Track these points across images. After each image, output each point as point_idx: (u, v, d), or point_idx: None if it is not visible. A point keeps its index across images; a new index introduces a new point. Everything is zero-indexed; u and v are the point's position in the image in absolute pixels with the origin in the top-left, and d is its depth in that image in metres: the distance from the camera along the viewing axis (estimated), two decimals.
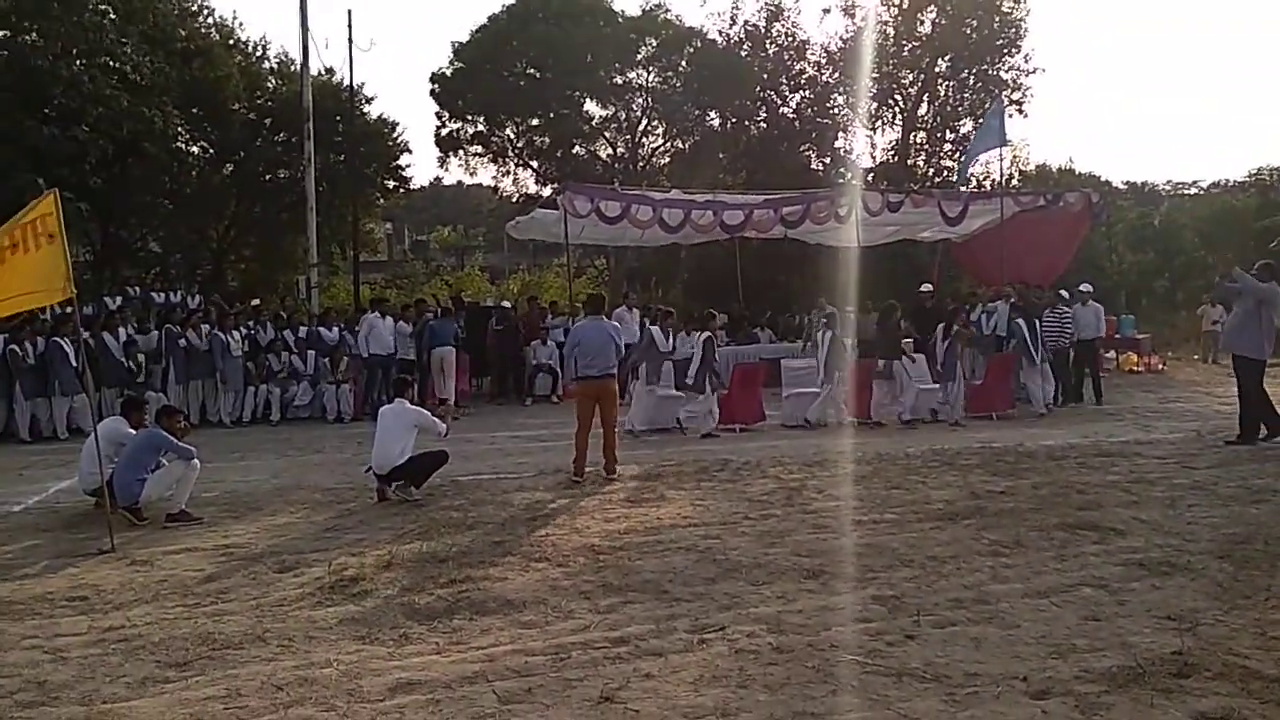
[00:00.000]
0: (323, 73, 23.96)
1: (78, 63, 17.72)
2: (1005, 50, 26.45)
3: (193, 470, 7.73)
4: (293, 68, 23.27)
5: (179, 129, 21.09)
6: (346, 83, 23.54)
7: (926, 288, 17.09)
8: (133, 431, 8.01)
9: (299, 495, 8.53)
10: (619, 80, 28.33)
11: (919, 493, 7.85)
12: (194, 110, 21.63)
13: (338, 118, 23.59)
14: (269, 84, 24.31)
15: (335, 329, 15.31)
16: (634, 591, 5.35)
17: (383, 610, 5.13)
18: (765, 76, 27.04)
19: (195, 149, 23.70)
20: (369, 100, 25.25)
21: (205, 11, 22.71)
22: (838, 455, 9.83)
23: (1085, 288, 15.35)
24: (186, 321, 14.27)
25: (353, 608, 5.20)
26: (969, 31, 25.96)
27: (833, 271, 17.89)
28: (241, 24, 24.40)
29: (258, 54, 24.48)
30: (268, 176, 24.34)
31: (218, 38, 22.89)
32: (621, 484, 8.65)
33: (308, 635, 4.81)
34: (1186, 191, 56.29)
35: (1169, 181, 59.46)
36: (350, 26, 23.59)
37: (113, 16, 18.84)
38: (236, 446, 11.72)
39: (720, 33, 27.60)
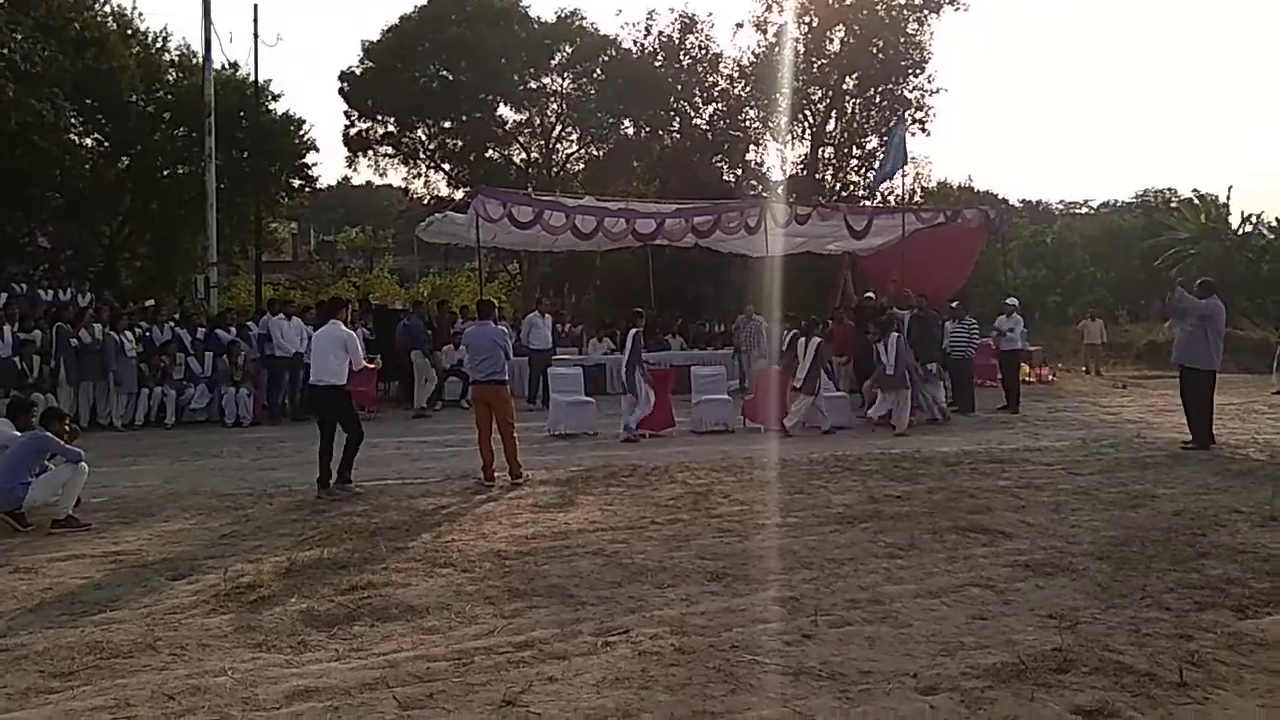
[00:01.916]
0: (226, 67, 23.31)
1: None
2: (910, 70, 27.35)
3: (80, 474, 7.43)
4: (194, 60, 22.58)
5: (71, 120, 20.24)
6: (251, 78, 22.93)
7: (870, 296, 17.32)
8: (18, 434, 7.66)
9: (194, 501, 8.27)
10: (533, 85, 28.33)
11: (820, 497, 8.04)
12: (88, 101, 20.81)
13: (241, 113, 22.95)
14: (169, 76, 23.55)
15: (232, 329, 14.87)
16: (539, 596, 5.35)
17: (280, 617, 5.02)
18: (679, 88, 27.40)
19: (89, 141, 22.79)
20: (275, 97, 24.68)
21: (102, 0, 21.86)
22: (744, 461, 10.00)
23: (1012, 300, 15.90)
24: (78, 320, 13.67)
25: (249, 615, 5.07)
26: (875, 51, 26.77)
27: (743, 281, 18.22)
28: (141, 14, 23.75)
29: (157, 45, 23.70)
30: (166, 172, 23.51)
31: (115, 27, 22.08)
32: (530, 489, 8.64)
33: (201, 643, 4.68)
34: (1078, 210, 58.97)
35: (1061, 201, 62.23)
36: (256, 20, 22.85)
37: (3, 3, 17.99)
38: (129, 450, 11.29)
39: (635, 42, 27.91)
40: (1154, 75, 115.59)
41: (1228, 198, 34.76)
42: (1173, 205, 38.96)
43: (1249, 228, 33.20)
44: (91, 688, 4.15)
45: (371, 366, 9.19)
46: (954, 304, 15.31)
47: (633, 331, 12.05)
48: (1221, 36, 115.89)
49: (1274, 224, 34.09)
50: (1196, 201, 35.43)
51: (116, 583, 5.78)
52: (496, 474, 8.97)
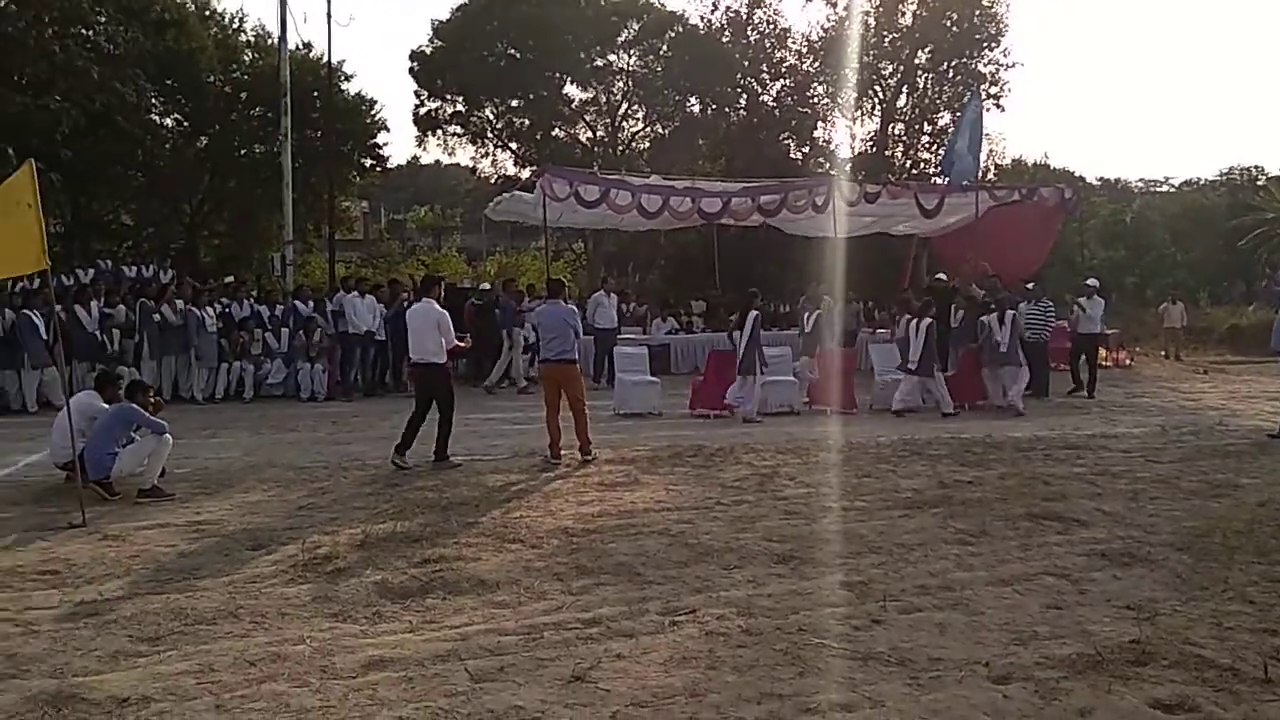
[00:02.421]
0: (300, 47, 23.66)
1: (49, 31, 17.43)
2: (984, 44, 26.64)
3: (165, 445, 7.70)
4: (270, 41, 23.02)
5: (152, 101, 20.83)
6: (325, 58, 23.29)
7: (941, 277, 16.96)
8: (105, 406, 7.96)
9: (272, 473, 8.51)
10: (599, 63, 28.27)
11: (889, 481, 7.95)
12: (168, 82, 21.38)
13: (315, 94, 23.35)
14: (245, 57, 24.04)
15: (309, 304, 15.21)
16: (606, 574, 5.40)
17: (356, 589, 5.16)
18: (746, 64, 27.08)
19: (169, 121, 23.44)
20: (347, 77, 25.05)
21: None
22: (810, 443, 9.93)
23: (1092, 282, 15.47)
24: (160, 296, 14.13)
25: (326, 586, 5.22)
26: (949, 24, 26.12)
27: (809, 261, 18.00)
28: None
29: (234, 26, 24.22)
30: (243, 151, 24.09)
31: (193, 9, 22.59)
32: (596, 468, 8.70)
33: (280, 612, 4.83)
34: (1158, 189, 56.95)
35: (1142, 179, 60.12)
36: (329, 1, 23.17)
37: None
38: (209, 423, 11.66)
39: (702, 18, 27.63)
40: (1240, 48, 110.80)
41: None
42: (1260, 183, 37.40)
43: None
44: (177, 652, 4.31)
45: (463, 345, 9.40)
46: (1030, 285, 14.93)
47: (752, 314, 12.02)
48: None
49: None
50: None
51: (199, 551, 5.99)
52: (563, 452, 9.05)
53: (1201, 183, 54.39)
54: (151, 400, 8.15)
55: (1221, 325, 26.07)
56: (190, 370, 14.01)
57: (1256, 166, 44.20)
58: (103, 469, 7.50)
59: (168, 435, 7.74)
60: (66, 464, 7.55)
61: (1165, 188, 57.30)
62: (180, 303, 13.99)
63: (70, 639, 4.48)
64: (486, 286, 18.28)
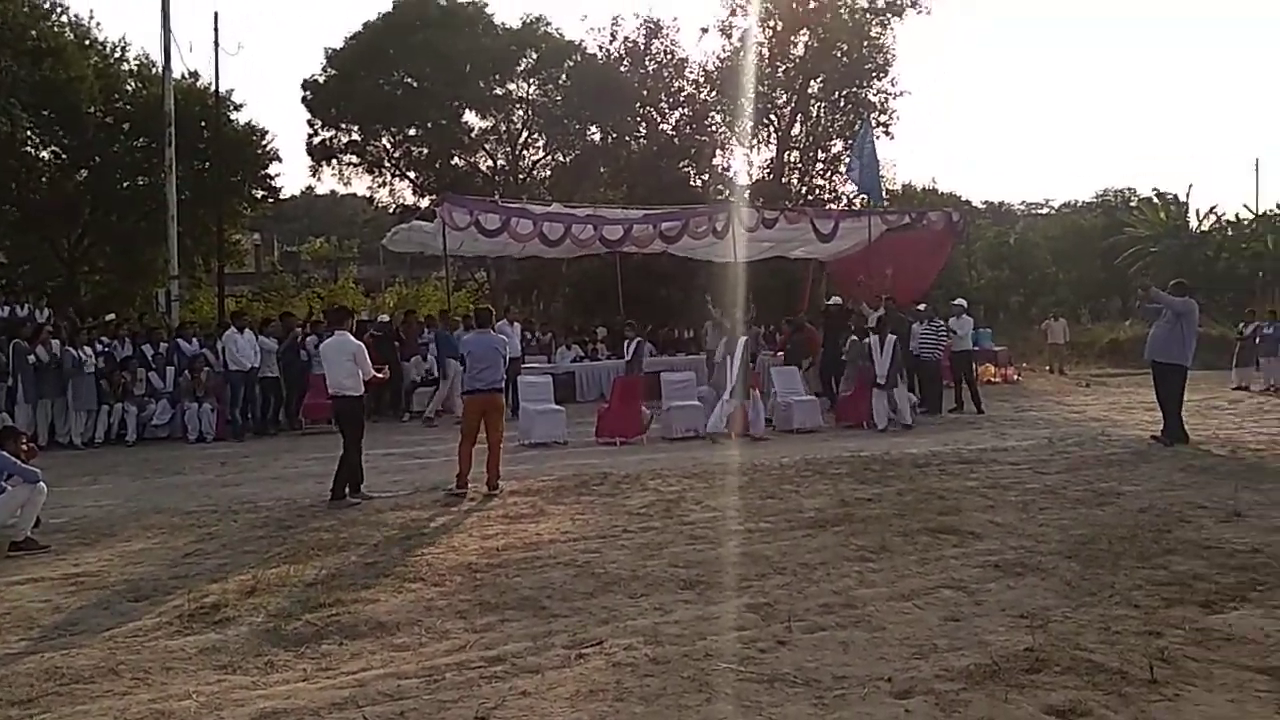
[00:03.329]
0: (186, 76, 22.98)
1: None
2: (873, 74, 27.55)
3: (39, 494, 7.27)
4: (154, 70, 22.22)
5: (28, 132, 19.86)
6: (212, 87, 22.64)
7: (835, 300, 17.32)
8: None
9: (156, 520, 8.11)
10: (499, 92, 28.24)
11: (792, 501, 8.04)
12: (45, 113, 20.42)
13: (203, 123, 22.65)
14: (128, 86, 23.17)
15: (194, 341, 14.63)
16: (511, 609, 5.30)
17: (246, 638, 4.93)
18: (645, 93, 27.42)
19: (46, 154, 22.38)
20: (237, 106, 24.38)
21: (59, 9, 21.48)
22: (715, 467, 9.99)
23: (959, 302, 16.03)
24: (35, 336, 13.39)
25: (214, 636, 4.97)
26: (839, 55, 26.95)
27: (711, 286, 18.20)
28: (99, 24, 23.30)
29: (116, 55, 23.30)
30: (126, 184, 23.18)
31: (72, 37, 21.69)
32: (500, 500, 8.57)
33: (165, 666, 4.57)
34: (1039, 211, 59.77)
35: (1024, 202, 63.09)
36: (216, 29, 22.50)
37: None
38: (89, 469, 11.08)
39: (600, 48, 27.88)
40: (1112, 73, 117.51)
41: (1187, 196, 35.43)
42: (1132, 205, 39.60)
43: (1209, 224, 33.79)
44: (51, 715, 4.04)
45: (380, 377, 9.20)
46: (921, 306, 15.42)
47: (742, 339, 12.63)
48: (1181, 37, 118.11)
49: (1233, 220, 34.78)
50: (1156, 200, 36.02)
51: (77, 606, 5.65)
52: (470, 484, 8.89)
53: (1079, 204, 57.37)
54: (24, 446, 7.69)
55: (1101, 340, 27.39)
56: (68, 413, 13.30)
57: (1129, 188, 46.86)
58: None
59: (42, 484, 7.30)
60: None
61: (1046, 210, 60.21)
62: (56, 343, 13.29)
63: None
64: (385, 318, 17.91)
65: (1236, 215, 35.08)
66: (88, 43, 22.43)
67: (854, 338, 13.71)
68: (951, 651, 4.45)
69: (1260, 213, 34.26)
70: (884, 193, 19.56)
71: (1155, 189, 36.78)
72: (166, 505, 8.75)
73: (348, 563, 6.38)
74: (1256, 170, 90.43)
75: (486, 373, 9.06)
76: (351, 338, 8.98)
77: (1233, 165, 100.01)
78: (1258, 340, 17.97)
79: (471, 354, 9.23)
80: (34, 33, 19.88)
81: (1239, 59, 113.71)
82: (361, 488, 8.77)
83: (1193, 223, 34.89)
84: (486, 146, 29.53)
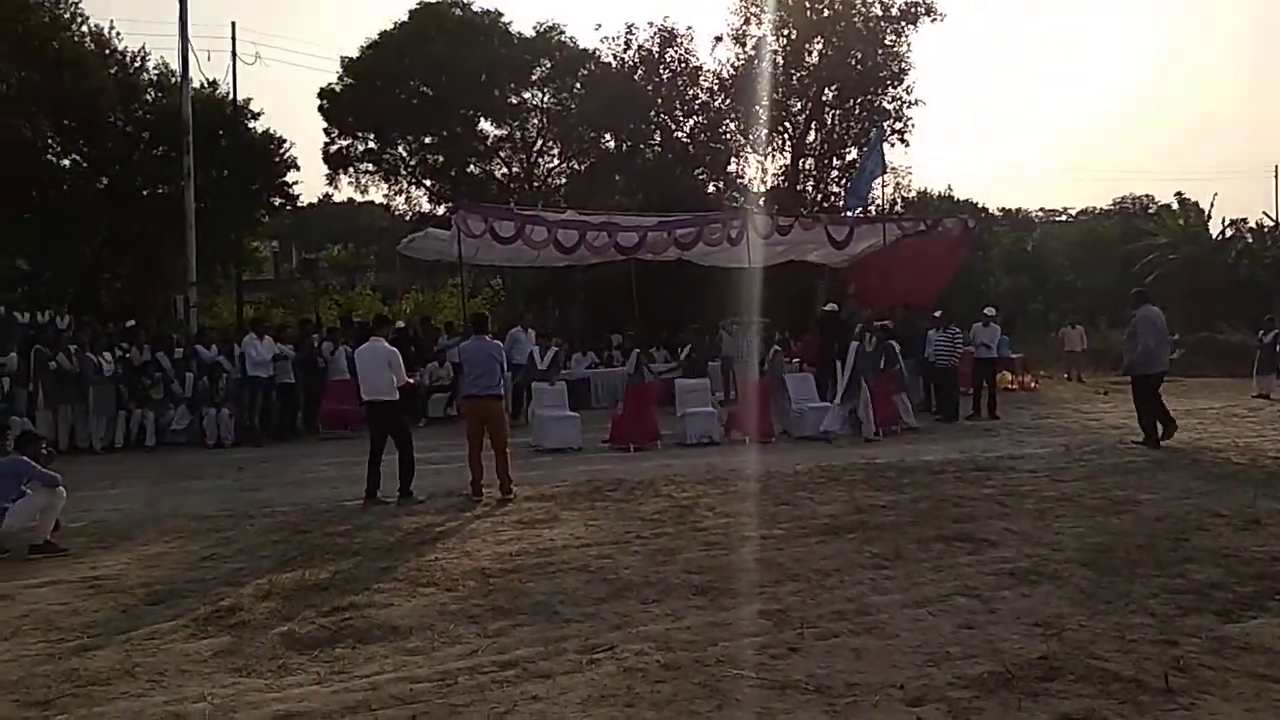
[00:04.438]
0: (205, 85, 23.18)
1: None
2: (888, 82, 27.46)
3: (58, 498, 7.34)
4: (173, 79, 22.41)
5: (49, 141, 20.09)
6: (230, 96, 22.83)
7: (832, 307, 17.28)
8: None
9: (174, 524, 8.17)
10: (514, 100, 28.29)
11: (806, 508, 8.03)
12: (66, 122, 20.64)
13: (220, 132, 22.84)
14: (148, 96, 23.36)
15: (213, 347, 14.74)
16: (523, 614, 5.31)
17: (261, 641, 4.96)
18: (659, 101, 27.42)
19: (67, 162, 22.61)
20: (255, 115, 24.53)
21: (79, 20, 21.69)
22: (729, 473, 9.98)
23: (989, 311, 15.98)
24: (55, 343, 13.52)
25: (229, 639, 5.01)
26: (854, 63, 26.87)
27: (726, 292, 18.23)
28: (119, 34, 23.30)
29: (135, 65, 23.50)
30: (145, 192, 23.35)
31: (93, 48, 21.90)
32: (515, 505, 8.59)
33: (180, 669, 4.61)
34: (1057, 218, 59.46)
35: (1041, 208, 62.71)
36: (234, 38, 22.73)
37: None
38: (108, 473, 11.17)
39: (615, 56, 27.87)
40: (1129, 81, 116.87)
41: (1212, 203, 35.16)
42: (1150, 211, 39.37)
43: (1230, 231, 33.56)
44: (67, 716, 4.09)
45: (413, 382, 9.35)
46: (938, 313, 15.36)
47: (854, 345, 12.88)
48: (1201, 44, 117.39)
49: (1254, 228, 34.53)
50: (1175, 207, 35.79)
51: (94, 609, 5.70)
52: (485, 489, 8.93)
53: (1097, 211, 57.03)
54: (43, 451, 7.77)
55: (1119, 347, 27.06)
56: (88, 418, 13.42)
57: (1147, 195, 46.61)
58: None
59: (61, 488, 7.38)
60: None
61: (1064, 217, 59.87)
62: (75, 349, 13.42)
63: None
64: (401, 325, 18.00)
65: (1258, 222, 34.85)
66: (108, 53, 22.63)
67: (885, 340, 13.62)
68: (965, 659, 4.43)
69: None
70: (864, 204, 19.52)
71: (1177, 193, 36.51)
72: (184, 510, 8.81)
73: (362, 567, 6.42)
74: (1277, 178, 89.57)
75: (483, 379, 9.12)
76: (386, 344, 9.10)
77: (1254, 173, 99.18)
78: (1278, 348, 17.81)
79: (468, 361, 9.35)
80: (55, 43, 20.07)
81: (1262, 66, 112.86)
82: (378, 493, 8.83)
83: (1214, 230, 34.67)
84: (502, 154, 29.61)
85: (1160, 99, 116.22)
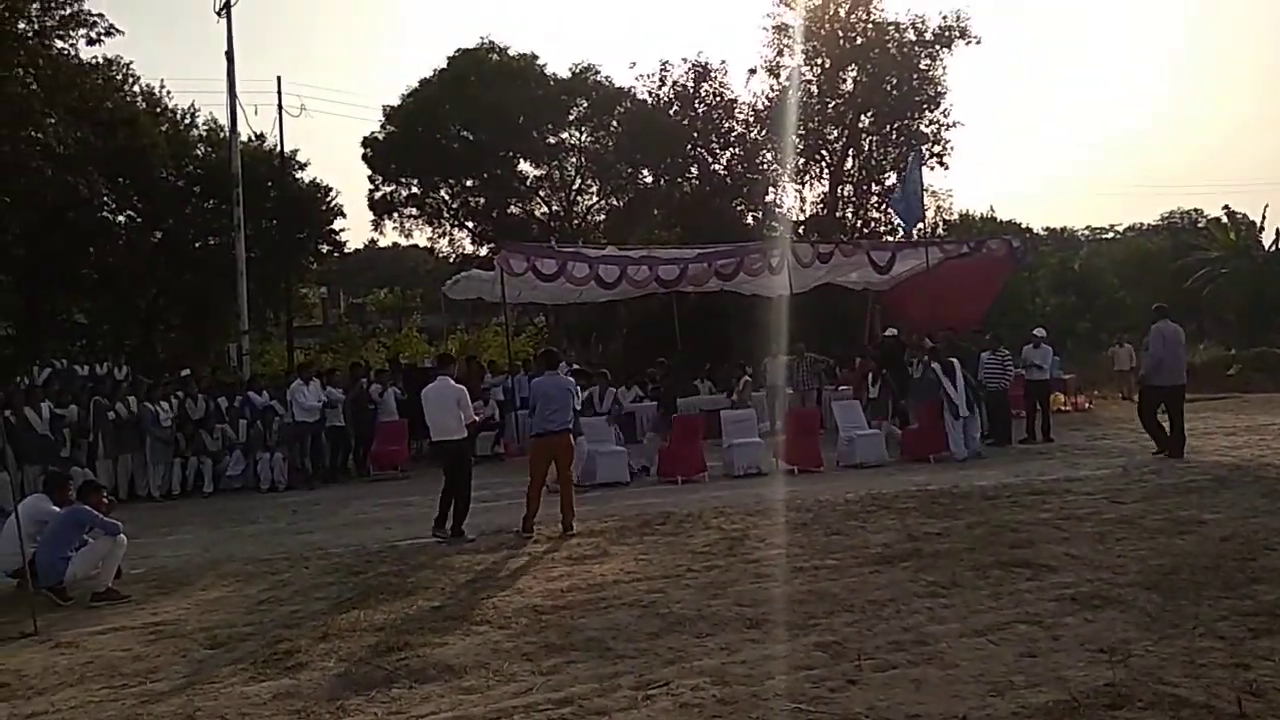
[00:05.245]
0: (253, 139, 23.86)
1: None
2: (925, 106, 27.41)
3: (119, 546, 7.50)
4: (221, 134, 23.12)
5: (105, 198, 20.77)
6: (277, 148, 23.45)
7: (891, 332, 17.16)
8: (56, 509, 7.74)
9: (231, 568, 8.30)
10: (552, 140, 28.72)
11: (858, 537, 7.93)
12: (120, 179, 21.34)
13: (269, 183, 23.45)
14: (198, 151, 24.11)
15: (264, 393, 15.01)
16: (576, 650, 5.30)
17: (319, 683, 5.01)
18: (695, 135, 27.62)
19: (122, 218, 23.34)
20: (301, 166, 25.21)
21: (131, 80, 22.49)
22: (778, 504, 9.89)
23: (1039, 332, 15.77)
24: (114, 394, 13.88)
25: (287, 681, 5.06)
26: (889, 88, 26.88)
27: (768, 321, 18.19)
28: (169, 92, 24.15)
29: (185, 121, 24.31)
30: (198, 244, 24.01)
31: (144, 106, 22.68)
32: (563, 541, 8.59)
33: (240, 712, 4.66)
34: (1104, 236, 58.53)
35: (1087, 227, 61.77)
36: (279, 92, 23.42)
37: (36, 89, 18.60)
38: (166, 520, 11.38)
39: (650, 93, 28.18)
40: (1173, 96, 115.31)
41: (1264, 215, 34.39)
42: (1200, 226, 38.63)
43: None
44: None
45: (479, 419, 9.62)
46: (989, 335, 15.19)
47: (934, 364, 13.26)
48: (1243, 53, 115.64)
49: None
50: (1225, 220, 35.10)
51: (156, 654, 5.80)
52: (537, 525, 8.97)
53: (1145, 228, 56.06)
54: (104, 501, 7.95)
55: None
56: (146, 467, 13.71)
57: (1196, 210, 45.73)
58: (55, 574, 7.27)
59: (122, 536, 7.54)
60: (17, 571, 7.30)
61: (1110, 235, 58.94)
62: (133, 399, 13.76)
63: None
64: (429, 364, 18.23)
65: None
66: (159, 110, 23.42)
67: (933, 364, 13.47)
68: (1029, 688, 4.33)
69: None
70: (922, 224, 19.41)
71: (1226, 207, 35.78)
72: (241, 554, 8.94)
73: (415, 607, 6.45)
74: None
75: (558, 414, 9.17)
76: (454, 382, 9.23)
77: None
78: None
79: (542, 396, 9.28)
80: (109, 104, 20.82)
81: None
82: (445, 527, 8.96)
83: (1265, 241, 33.91)
84: (541, 194, 30.00)
85: (1199, 111, 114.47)
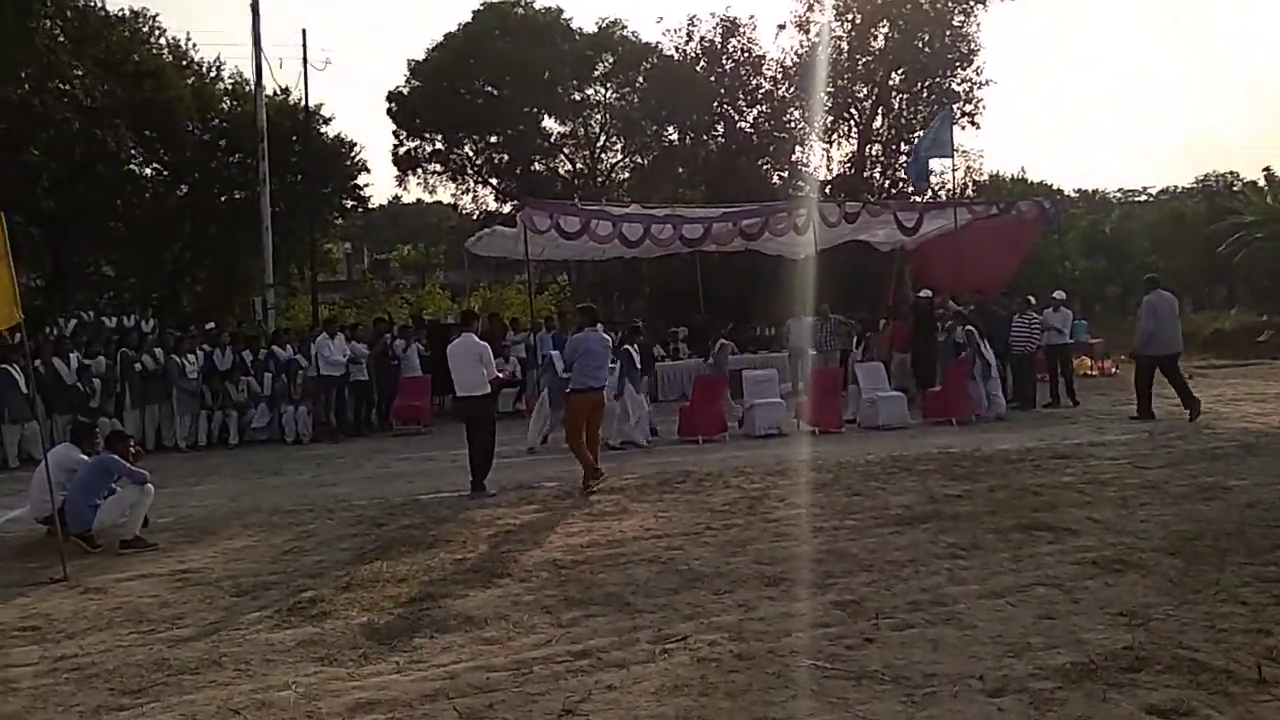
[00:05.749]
0: (278, 93, 23.82)
1: (27, 86, 17.47)
2: (957, 64, 26.91)
3: (146, 495, 7.62)
4: (247, 88, 23.06)
5: (132, 151, 20.82)
6: (302, 103, 23.39)
7: (926, 293, 16.94)
8: (85, 458, 7.87)
9: (256, 518, 8.42)
10: (577, 97, 28.49)
11: (878, 498, 7.92)
12: (146, 132, 21.37)
13: (294, 138, 23.42)
14: (223, 105, 24.08)
15: (289, 347, 15.13)
16: (596, 605, 5.34)
17: (342, 631, 5.08)
18: (722, 92, 27.30)
19: (148, 171, 23.41)
20: (326, 120, 25.10)
21: (157, 32, 22.42)
22: (799, 464, 9.90)
23: (1058, 294, 15.57)
24: (141, 345, 14.05)
25: (311, 629, 5.14)
26: (921, 45, 26.40)
27: (793, 281, 18.07)
28: (195, 45, 24.07)
29: (211, 75, 24.24)
30: (223, 198, 24.08)
31: (170, 59, 22.64)
32: (584, 498, 8.64)
33: (265, 658, 4.75)
34: (1137, 199, 57.44)
35: (1120, 189, 60.61)
36: (305, 46, 23.29)
37: (64, 41, 18.61)
38: (193, 471, 11.55)
39: (677, 49, 27.85)
40: (1209, 56, 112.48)
41: None
42: (1235, 189, 37.78)
43: None
44: (159, 704, 4.24)
45: (502, 376, 9.80)
46: (1020, 299, 15.03)
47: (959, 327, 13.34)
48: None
49: None
50: (1263, 184, 34.30)
51: (183, 601, 5.91)
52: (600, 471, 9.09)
53: (1179, 190, 54.98)
54: (131, 450, 8.07)
55: (1205, 330, 26.17)
56: (172, 418, 13.90)
57: (1231, 172, 44.71)
58: (84, 522, 7.41)
59: (149, 485, 7.65)
60: (47, 518, 7.44)
61: (1143, 197, 57.84)
62: (160, 351, 13.92)
63: (51, 695, 4.40)
64: (452, 320, 18.28)
65: None
66: (184, 64, 23.36)
67: (962, 327, 13.38)
68: (1046, 650, 4.33)
69: None
70: (932, 185, 19.18)
71: (1265, 169, 34.84)
72: (266, 505, 9.07)
73: (437, 559, 6.53)
74: None
75: (599, 371, 9.27)
76: (477, 339, 9.28)
77: None
78: None
79: (586, 352, 9.22)
80: (135, 56, 20.80)
81: None
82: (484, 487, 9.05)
83: None
84: (565, 151, 29.83)
85: (1237, 69, 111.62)
